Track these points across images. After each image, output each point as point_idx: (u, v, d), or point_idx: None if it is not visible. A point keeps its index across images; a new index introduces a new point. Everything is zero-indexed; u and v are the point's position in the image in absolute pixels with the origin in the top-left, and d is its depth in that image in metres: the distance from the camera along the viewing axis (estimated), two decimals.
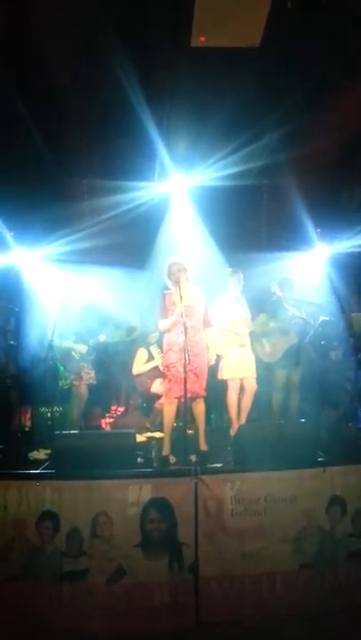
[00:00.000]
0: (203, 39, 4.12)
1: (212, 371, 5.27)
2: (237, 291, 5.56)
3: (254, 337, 5.61)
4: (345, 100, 5.21)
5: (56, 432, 4.78)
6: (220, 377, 5.37)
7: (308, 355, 5.76)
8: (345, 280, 7.12)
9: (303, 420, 5.50)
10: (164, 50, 4.50)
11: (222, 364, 5.36)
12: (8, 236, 6.49)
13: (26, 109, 5.18)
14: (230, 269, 5.65)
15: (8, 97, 4.90)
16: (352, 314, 6.48)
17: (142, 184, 6.51)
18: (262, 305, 5.84)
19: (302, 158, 6.09)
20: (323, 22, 4.19)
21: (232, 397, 5.35)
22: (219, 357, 5.37)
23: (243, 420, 5.35)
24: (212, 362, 5.23)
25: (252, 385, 5.39)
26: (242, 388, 5.38)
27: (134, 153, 5.98)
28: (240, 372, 5.36)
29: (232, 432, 5.24)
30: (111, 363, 6.55)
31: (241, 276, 5.56)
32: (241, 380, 5.37)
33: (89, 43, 4.45)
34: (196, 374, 4.78)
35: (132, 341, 6.37)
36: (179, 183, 6.57)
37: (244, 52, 4.27)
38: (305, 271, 6.76)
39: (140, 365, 6.00)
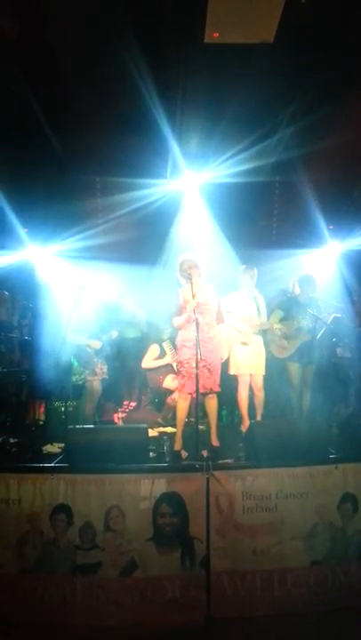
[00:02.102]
0: (216, 35, 4.08)
1: (224, 367, 5.28)
2: (252, 287, 5.55)
3: (269, 335, 5.60)
4: (359, 97, 5.18)
5: (69, 426, 4.81)
6: (228, 372, 5.39)
7: (320, 352, 5.74)
8: (357, 277, 7.08)
9: (314, 417, 5.49)
10: (178, 46, 4.50)
11: (230, 360, 5.37)
12: (23, 232, 6.55)
13: (39, 107, 5.23)
14: (244, 266, 5.64)
15: (22, 96, 4.94)
16: None
17: (155, 181, 6.53)
18: (277, 302, 5.83)
19: (315, 155, 6.07)
20: (337, 16, 4.17)
21: (242, 393, 5.36)
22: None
23: (259, 416, 5.37)
24: (225, 358, 5.24)
25: (257, 382, 5.39)
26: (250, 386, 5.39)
27: (147, 150, 6.00)
28: (245, 368, 5.36)
29: (243, 428, 5.25)
30: (124, 358, 6.59)
31: (255, 272, 5.55)
32: (249, 376, 5.37)
33: (102, 40, 4.47)
34: (209, 370, 4.79)
35: (145, 337, 6.40)
36: (191, 180, 6.59)
37: (258, 47, 4.25)
38: (317, 268, 6.73)
39: (149, 361, 6.02)
